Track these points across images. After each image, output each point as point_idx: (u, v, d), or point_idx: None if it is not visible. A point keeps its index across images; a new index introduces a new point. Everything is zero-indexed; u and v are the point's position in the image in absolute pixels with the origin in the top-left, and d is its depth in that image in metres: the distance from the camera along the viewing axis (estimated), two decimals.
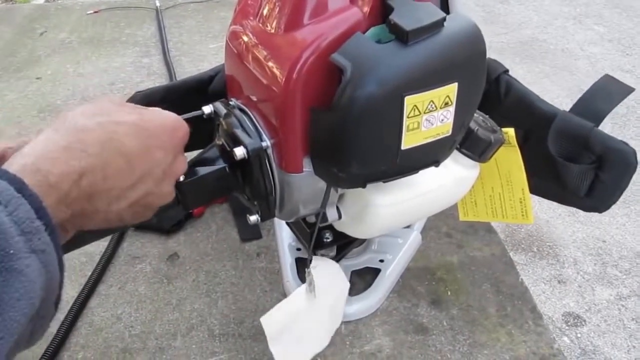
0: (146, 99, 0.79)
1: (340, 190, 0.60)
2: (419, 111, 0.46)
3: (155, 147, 0.44)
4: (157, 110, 0.46)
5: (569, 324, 1.75)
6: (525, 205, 0.67)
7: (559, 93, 2.84)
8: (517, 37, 3.49)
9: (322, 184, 0.55)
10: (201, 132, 0.70)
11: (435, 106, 0.47)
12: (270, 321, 0.66)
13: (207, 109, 0.61)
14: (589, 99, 0.69)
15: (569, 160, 0.67)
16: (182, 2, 1.79)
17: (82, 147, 0.39)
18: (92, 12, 1.71)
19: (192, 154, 0.58)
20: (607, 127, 2.56)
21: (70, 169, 0.38)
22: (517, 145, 0.63)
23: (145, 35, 1.58)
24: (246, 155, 0.53)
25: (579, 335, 1.72)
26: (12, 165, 0.36)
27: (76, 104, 0.37)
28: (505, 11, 3.87)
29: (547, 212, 2.14)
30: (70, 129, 0.40)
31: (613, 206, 0.68)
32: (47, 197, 0.36)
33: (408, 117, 0.46)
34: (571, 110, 0.69)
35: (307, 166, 0.54)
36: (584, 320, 1.76)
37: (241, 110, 0.58)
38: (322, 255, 0.74)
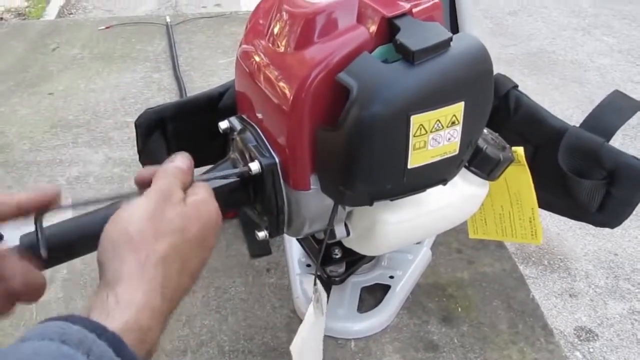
0: (157, 115, 0.80)
1: (348, 208, 0.60)
2: (425, 130, 0.46)
3: (209, 249, 0.45)
4: (208, 207, 0.45)
5: (581, 338, 1.73)
6: (535, 225, 0.67)
7: (568, 105, 2.83)
8: (526, 48, 3.49)
9: (330, 201, 0.55)
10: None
11: (442, 125, 0.47)
12: (296, 347, 0.66)
13: (224, 125, 0.62)
14: (599, 115, 0.69)
15: (579, 175, 0.67)
16: (192, 17, 1.80)
17: (173, 286, 0.39)
18: (103, 27, 1.73)
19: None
20: (618, 138, 2.55)
21: (163, 316, 0.38)
22: (526, 164, 0.62)
23: (155, 51, 1.59)
24: (260, 170, 0.54)
25: (591, 350, 1.70)
26: (114, 320, 0.35)
27: (127, 201, 0.38)
28: (513, 23, 3.87)
29: (557, 224, 2.12)
30: (155, 263, 0.39)
31: None
32: (139, 351, 0.36)
33: (414, 136, 0.46)
34: (581, 125, 0.69)
35: (315, 183, 0.54)
36: (597, 335, 1.74)
37: (252, 126, 0.59)
38: (331, 271, 0.74)
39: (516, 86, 0.76)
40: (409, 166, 0.48)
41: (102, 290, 0.37)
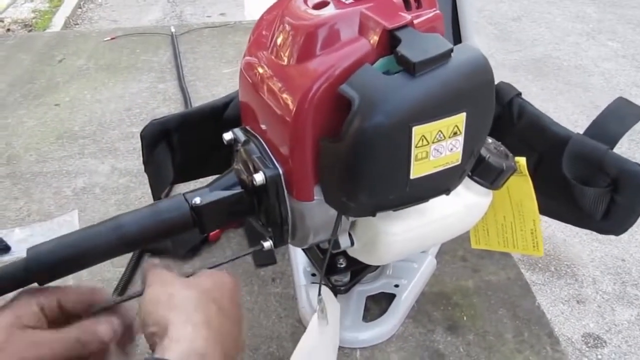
0: (162, 126, 0.80)
1: (352, 218, 0.60)
2: (427, 141, 0.46)
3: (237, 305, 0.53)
4: (215, 273, 0.55)
5: (589, 345, 1.72)
6: (536, 236, 0.67)
7: (573, 110, 2.83)
8: (530, 54, 3.49)
9: (333, 212, 0.56)
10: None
11: (444, 136, 0.47)
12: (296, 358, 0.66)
13: (228, 136, 0.62)
14: (603, 122, 0.69)
15: (584, 183, 0.67)
16: (197, 27, 1.82)
17: (218, 321, 0.47)
18: (108, 38, 1.74)
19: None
20: (624, 142, 2.54)
21: (217, 344, 0.45)
22: (528, 175, 0.62)
23: (160, 61, 1.60)
24: (264, 182, 0.54)
25: (599, 356, 1.69)
26: (172, 352, 0.42)
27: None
28: (517, 28, 3.87)
29: (564, 230, 2.12)
30: (195, 305, 0.47)
31: None
32: None
33: (416, 147, 0.46)
34: (585, 132, 0.69)
35: (318, 194, 0.54)
36: (605, 342, 1.73)
37: (255, 137, 0.59)
38: (336, 280, 0.75)
39: (519, 94, 0.76)
40: (412, 177, 0.48)
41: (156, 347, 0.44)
